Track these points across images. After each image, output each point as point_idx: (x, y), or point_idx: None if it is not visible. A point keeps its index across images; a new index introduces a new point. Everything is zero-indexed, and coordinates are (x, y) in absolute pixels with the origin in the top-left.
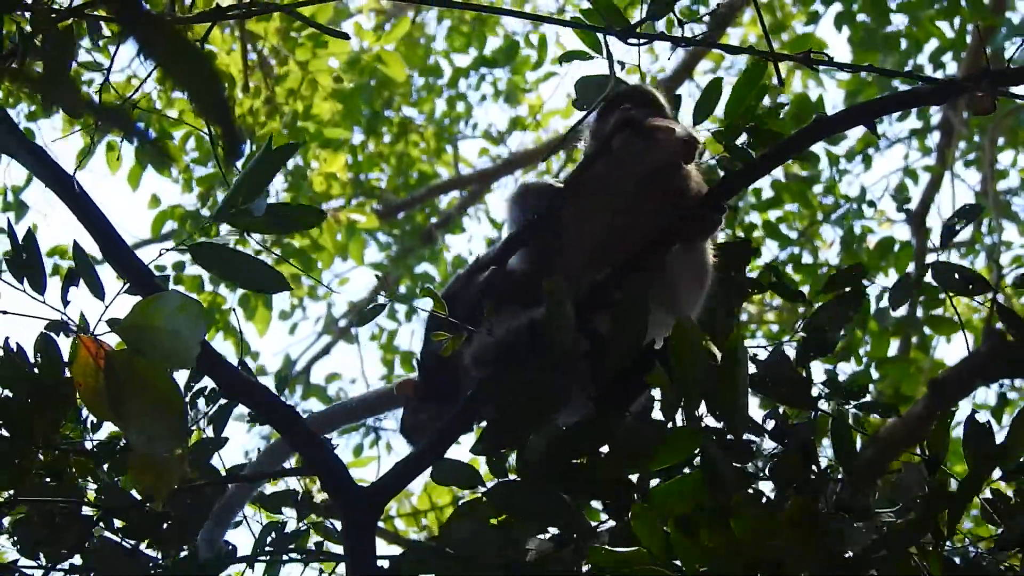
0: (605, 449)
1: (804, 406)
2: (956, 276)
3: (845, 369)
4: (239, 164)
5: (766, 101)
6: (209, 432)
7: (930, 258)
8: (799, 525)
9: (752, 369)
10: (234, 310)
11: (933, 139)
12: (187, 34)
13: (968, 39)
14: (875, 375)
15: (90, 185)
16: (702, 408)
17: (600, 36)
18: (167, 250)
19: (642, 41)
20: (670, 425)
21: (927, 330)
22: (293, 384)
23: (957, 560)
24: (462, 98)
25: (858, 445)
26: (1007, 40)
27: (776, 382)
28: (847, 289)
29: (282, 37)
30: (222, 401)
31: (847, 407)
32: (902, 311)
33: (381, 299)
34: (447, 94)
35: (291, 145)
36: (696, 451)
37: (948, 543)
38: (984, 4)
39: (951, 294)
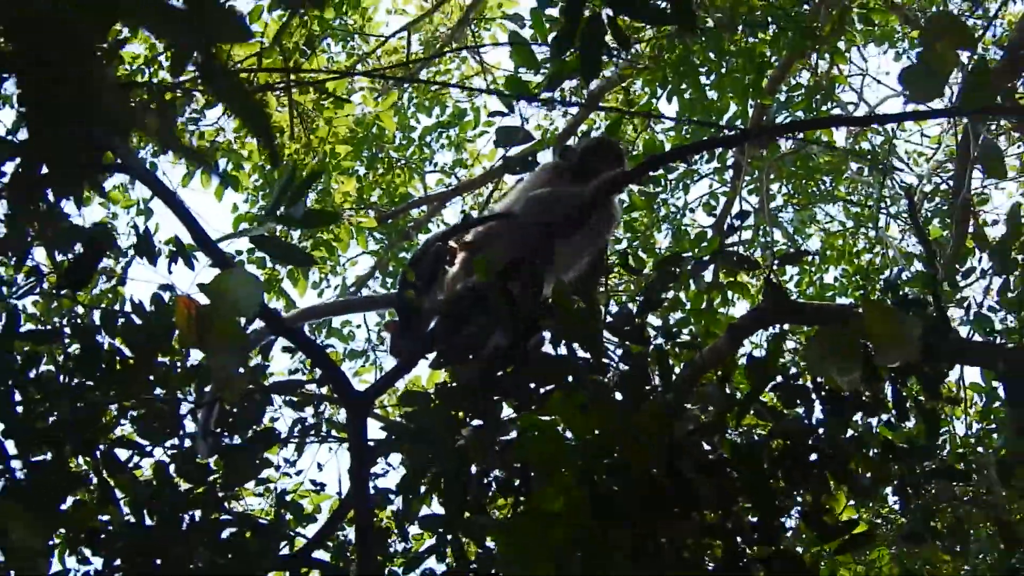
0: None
1: (641, 343)
2: (735, 259)
3: (674, 316)
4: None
5: None
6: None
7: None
8: (652, 417)
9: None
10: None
11: (728, 174)
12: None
13: (751, 110)
14: (693, 321)
15: (191, 197)
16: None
17: (513, 101)
18: (238, 235)
19: (541, 106)
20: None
21: (729, 293)
22: (319, 328)
23: (739, 442)
24: (427, 145)
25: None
26: (776, 113)
27: (623, 328)
28: (668, 266)
29: (315, 103)
30: (270, 338)
31: (668, 343)
32: (709, 278)
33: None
34: (417, 143)
35: (317, 172)
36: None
37: (735, 433)
38: (763, 88)
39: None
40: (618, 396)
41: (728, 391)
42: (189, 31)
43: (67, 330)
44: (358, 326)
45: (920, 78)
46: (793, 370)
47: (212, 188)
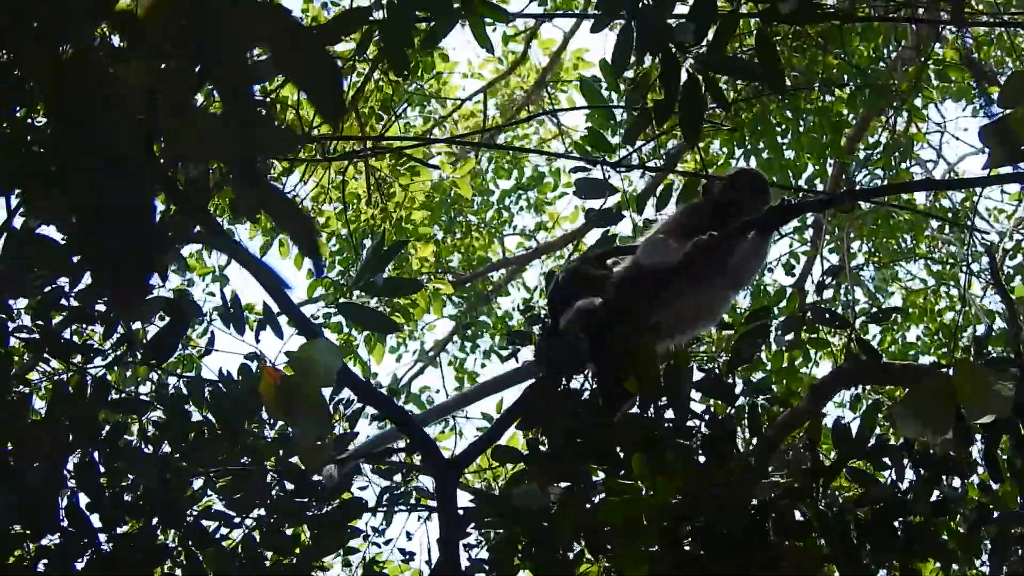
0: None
1: (728, 401)
2: (826, 315)
3: (755, 376)
4: (365, 252)
5: None
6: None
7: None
8: (736, 479)
9: (698, 376)
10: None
11: (808, 234)
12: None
13: (830, 169)
14: (774, 380)
15: (271, 263)
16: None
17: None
18: (322, 304)
19: (621, 169)
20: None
21: (810, 350)
22: (399, 394)
23: (826, 507)
24: (506, 208)
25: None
26: (855, 171)
27: (710, 387)
28: (757, 323)
29: (391, 169)
30: (356, 406)
31: (757, 400)
32: (791, 336)
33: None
34: (495, 206)
35: (401, 242)
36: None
37: (822, 499)
38: (842, 147)
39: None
40: (702, 459)
41: (813, 456)
42: (230, 143)
43: (148, 399)
44: (437, 391)
45: (1000, 138)
46: (878, 431)
47: (291, 256)
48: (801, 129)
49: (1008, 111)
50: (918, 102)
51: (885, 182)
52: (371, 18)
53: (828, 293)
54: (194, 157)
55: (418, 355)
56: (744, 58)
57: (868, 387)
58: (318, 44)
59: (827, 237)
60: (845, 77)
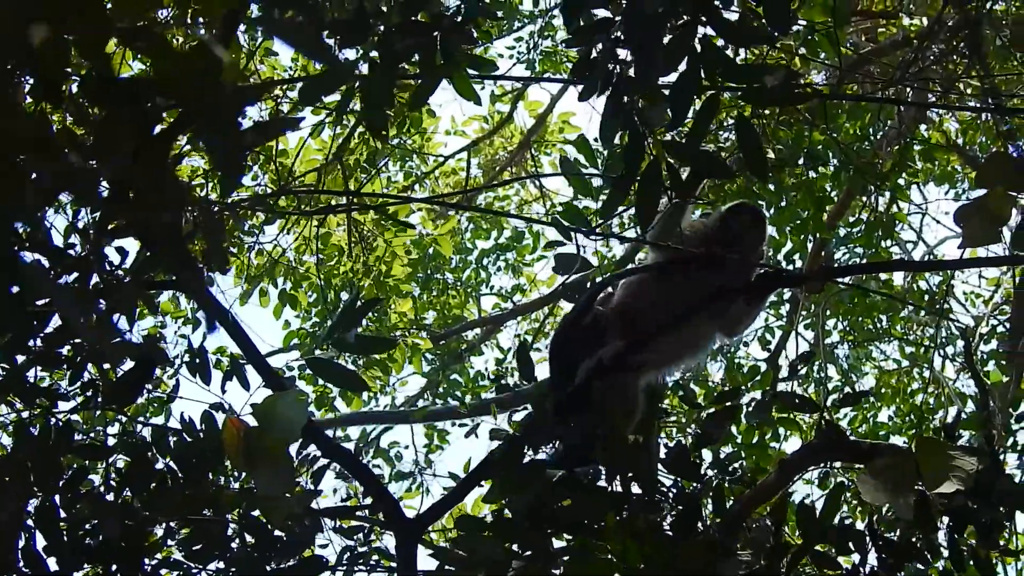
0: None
1: (695, 479)
2: (795, 401)
3: (724, 450)
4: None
5: None
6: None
7: (781, 385)
8: (700, 553)
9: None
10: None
11: (784, 308)
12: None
13: (809, 245)
14: (743, 455)
15: (247, 312)
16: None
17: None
18: (295, 360)
19: (597, 238)
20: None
21: (780, 429)
22: (367, 449)
23: None
24: (484, 268)
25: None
26: (834, 248)
27: (677, 464)
28: (728, 403)
29: (375, 222)
30: (321, 462)
31: (723, 478)
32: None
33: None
34: (473, 266)
35: (375, 300)
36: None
37: None
38: (823, 223)
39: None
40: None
41: (777, 536)
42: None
43: (112, 443)
44: (406, 447)
45: (976, 219)
46: (846, 512)
47: (271, 306)
48: (783, 204)
49: (985, 191)
50: (901, 182)
51: (864, 261)
52: (356, 72)
53: (802, 371)
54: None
55: (389, 409)
56: (713, 149)
57: (837, 464)
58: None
59: (803, 313)
60: (830, 154)
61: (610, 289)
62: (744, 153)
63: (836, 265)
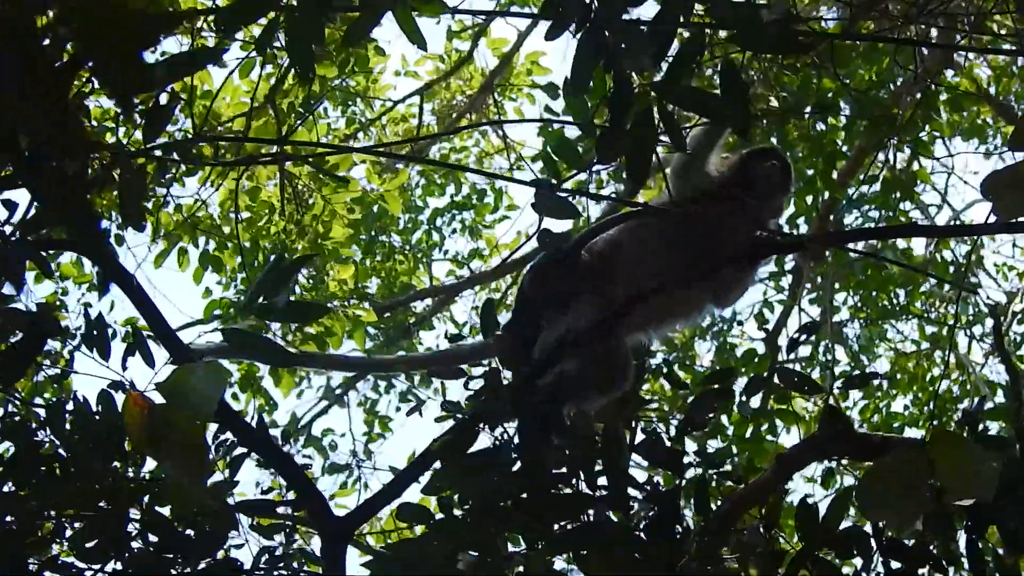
0: None
1: (676, 471)
2: (795, 379)
3: (713, 445)
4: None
5: None
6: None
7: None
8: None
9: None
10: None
11: (786, 280)
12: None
13: (819, 205)
14: (735, 450)
15: (165, 279)
16: None
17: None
18: (206, 332)
19: (568, 195)
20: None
21: (777, 421)
22: (296, 436)
23: None
24: (437, 230)
25: (715, 504)
26: (846, 211)
27: (654, 454)
28: (718, 385)
29: (311, 175)
30: (239, 451)
31: (710, 473)
32: (757, 403)
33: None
34: (426, 227)
35: (306, 256)
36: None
37: None
38: (833, 180)
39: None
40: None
41: (771, 542)
42: None
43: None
44: (342, 435)
45: (1008, 188)
46: (852, 514)
47: (191, 269)
48: (788, 160)
49: (1020, 157)
50: (923, 135)
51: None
52: (282, 3)
53: (804, 351)
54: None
55: (323, 392)
56: (711, 92)
57: (843, 462)
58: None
59: (807, 286)
60: (841, 103)
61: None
62: (724, 101)
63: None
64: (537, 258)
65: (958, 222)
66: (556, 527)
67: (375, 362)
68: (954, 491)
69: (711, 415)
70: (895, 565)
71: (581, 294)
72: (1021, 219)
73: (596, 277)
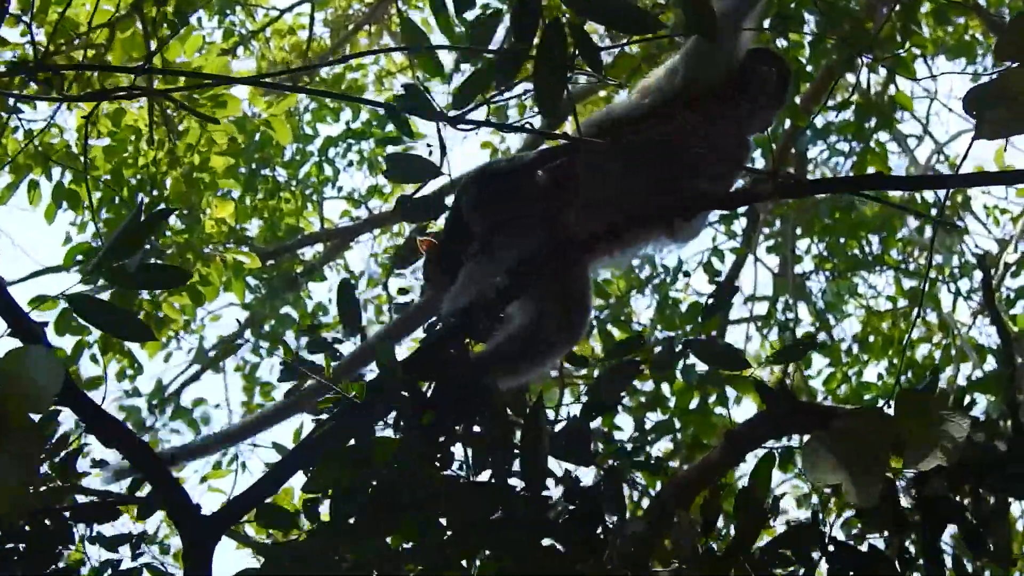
0: None
1: (584, 463)
2: (718, 353)
3: (652, 417)
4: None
5: None
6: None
7: (732, 329)
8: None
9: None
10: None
11: (739, 224)
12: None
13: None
14: (678, 424)
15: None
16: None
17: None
18: (46, 298)
19: (469, 127)
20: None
21: (728, 389)
22: (163, 405)
23: None
24: (330, 163)
25: (632, 499)
26: (809, 143)
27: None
28: (624, 360)
29: (185, 97)
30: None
31: (626, 464)
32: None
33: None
34: (316, 159)
35: (167, 210)
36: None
37: None
38: (796, 105)
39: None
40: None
41: (706, 540)
42: None
43: None
44: (216, 405)
45: (993, 104)
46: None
47: (44, 205)
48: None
49: (1006, 67)
50: (902, 53)
51: (851, 161)
52: None
53: (761, 308)
54: None
55: (195, 355)
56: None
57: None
58: None
59: (764, 232)
60: (805, 13)
61: None
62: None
63: (811, 165)
64: (472, 175)
65: (940, 156)
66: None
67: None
68: (914, 456)
69: (618, 397)
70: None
71: (532, 219)
72: (1008, 170)
73: (550, 199)
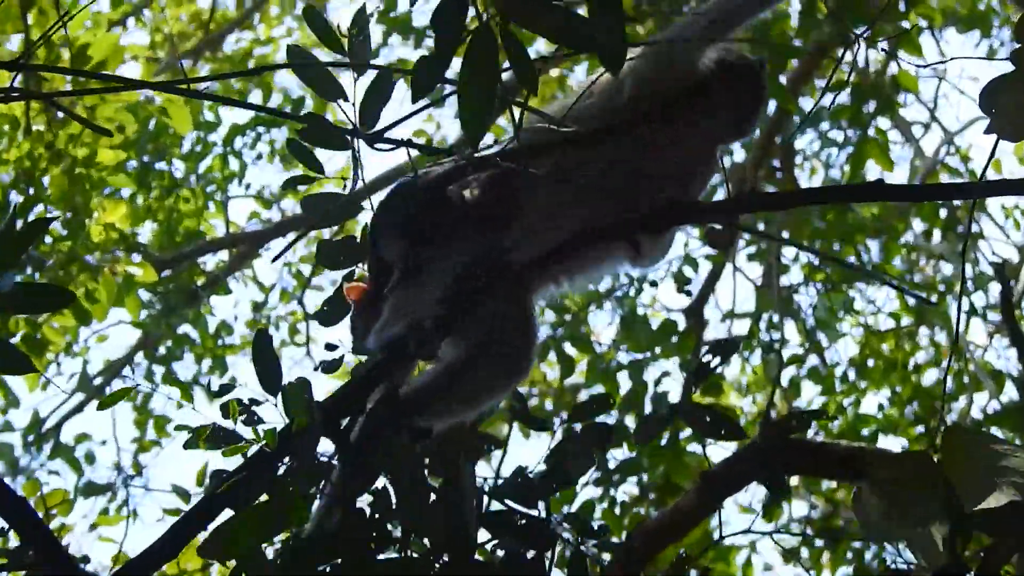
0: None
1: (542, 547)
2: (707, 418)
3: (617, 455)
4: None
5: None
6: None
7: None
8: None
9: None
10: None
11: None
12: None
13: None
14: (645, 464)
15: None
16: None
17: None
18: None
19: (389, 148)
20: None
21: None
22: (40, 442)
23: None
24: (236, 155)
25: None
26: (799, 131)
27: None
28: (591, 423)
29: (72, 81)
30: None
31: (587, 545)
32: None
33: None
34: (221, 151)
35: (45, 219)
36: None
37: None
38: (782, 87)
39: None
40: None
41: None
42: None
43: None
44: (103, 442)
45: (1016, 100)
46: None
47: None
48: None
49: None
50: (906, 25)
51: (846, 153)
52: None
53: (742, 326)
54: None
55: (78, 382)
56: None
57: (794, 481)
58: None
59: (745, 237)
60: None
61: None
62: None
63: (799, 157)
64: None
65: (951, 148)
66: None
67: None
68: (971, 494)
69: (583, 470)
70: None
71: (458, 230)
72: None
73: (486, 218)
